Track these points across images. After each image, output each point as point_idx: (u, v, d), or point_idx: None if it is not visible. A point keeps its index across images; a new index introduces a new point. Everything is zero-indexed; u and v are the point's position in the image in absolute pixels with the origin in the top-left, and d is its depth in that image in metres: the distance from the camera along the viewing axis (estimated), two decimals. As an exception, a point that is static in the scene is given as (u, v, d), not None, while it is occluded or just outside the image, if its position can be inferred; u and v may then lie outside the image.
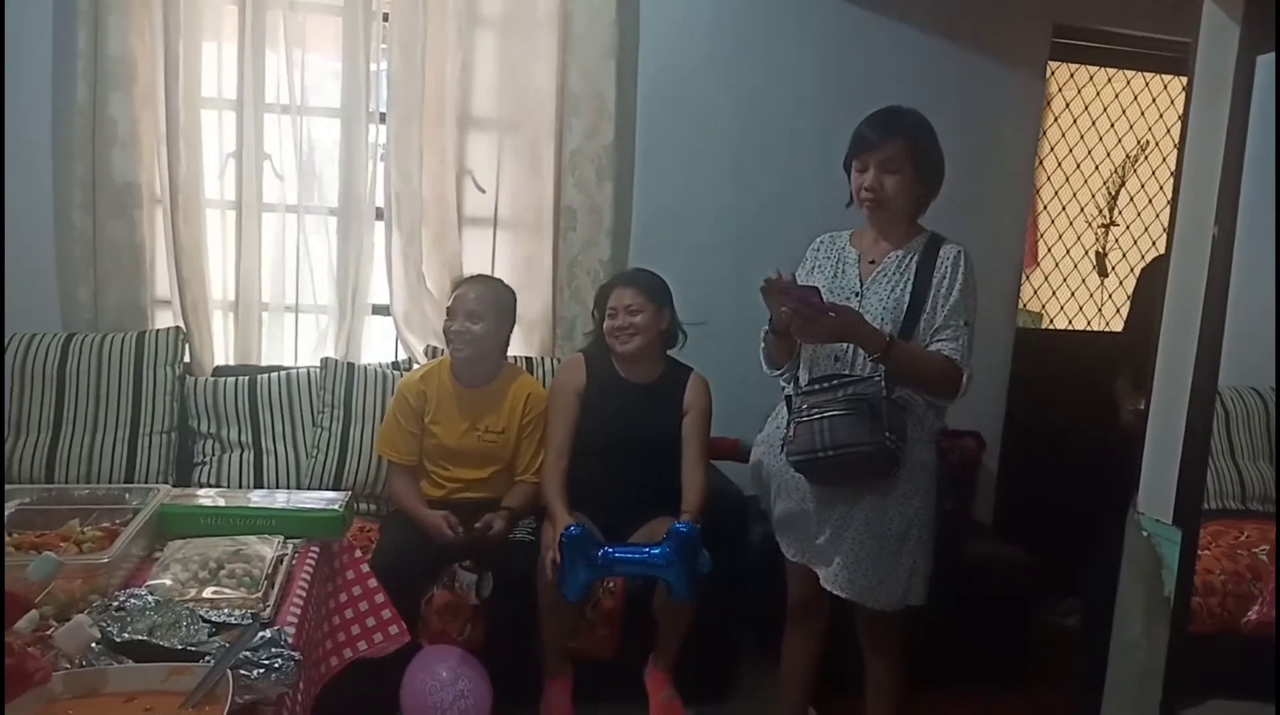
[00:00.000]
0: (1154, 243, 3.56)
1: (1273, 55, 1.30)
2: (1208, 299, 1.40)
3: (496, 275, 2.68)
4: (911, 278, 1.97)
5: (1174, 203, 1.46)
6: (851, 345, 1.97)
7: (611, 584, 2.39)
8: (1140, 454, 1.65)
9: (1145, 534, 1.49)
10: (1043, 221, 3.53)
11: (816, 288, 1.90)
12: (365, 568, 1.83)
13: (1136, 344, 1.87)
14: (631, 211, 3.06)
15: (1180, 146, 1.45)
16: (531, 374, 2.64)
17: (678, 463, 2.43)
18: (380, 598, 1.82)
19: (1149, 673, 1.47)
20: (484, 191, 2.92)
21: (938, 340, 1.94)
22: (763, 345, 2.16)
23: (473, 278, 2.55)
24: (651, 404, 2.45)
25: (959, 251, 1.98)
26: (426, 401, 2.40)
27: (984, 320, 3.39)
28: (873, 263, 2.04)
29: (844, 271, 2.06)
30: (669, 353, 2.55)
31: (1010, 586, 2.84)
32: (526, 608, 2.23)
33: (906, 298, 1.96)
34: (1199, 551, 1.85)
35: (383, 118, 2.79)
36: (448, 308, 2.45)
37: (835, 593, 2.02)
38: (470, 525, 2.27)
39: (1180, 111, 3.38)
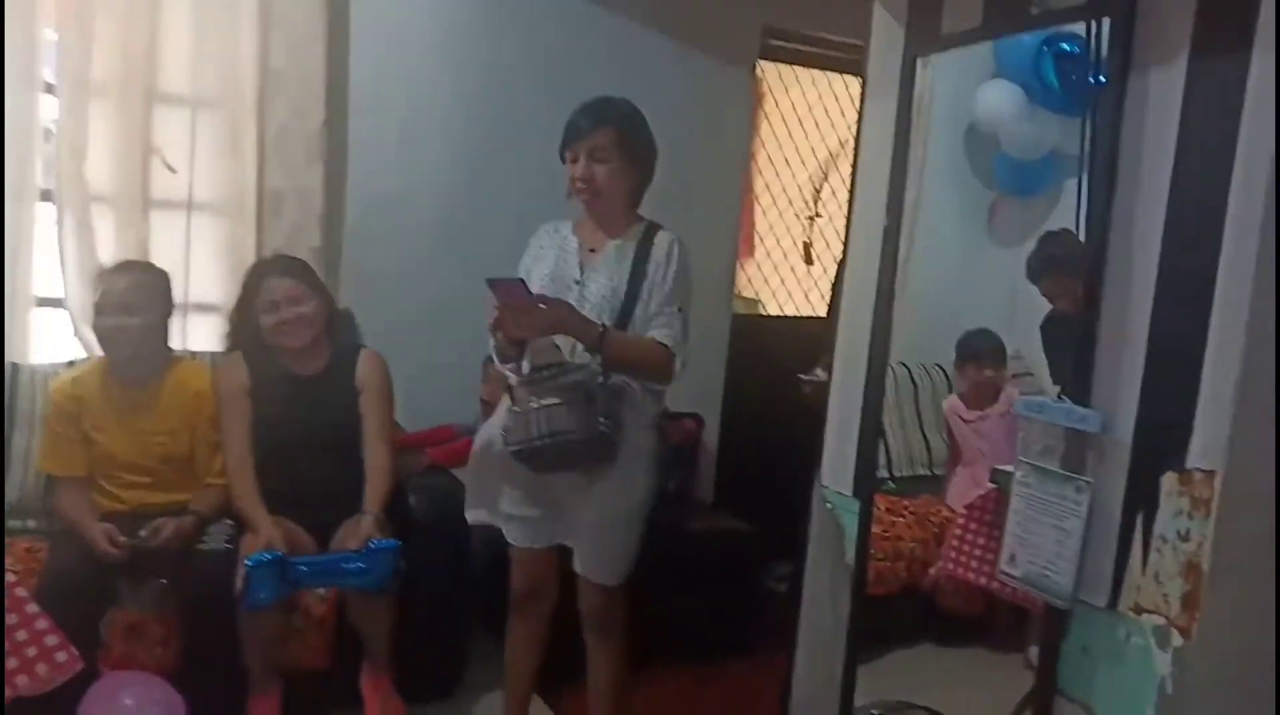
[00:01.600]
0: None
1: (933, 58, 1.40)
2: (880, 286, 1.49)
3: (178, 263, 2.45)
4: (629, 266, 2.01)
5: (850, 197, 1.55)
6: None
7: (322, 590, 2.27)
8: (821, 429, 1.79)
9: (828, 505, 1.57)
10: (756, 213, 3.70)
11: (521, 280, 1.88)
12: (21, 592, 1.62)
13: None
14: (345, 198, 2.91)
15: (856, 145, 1.54)
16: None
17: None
18: (42, 624, 1.62)
19: (835, 632, 1.56)
20: (174, 172, 2.67)
21: (652, 327, 1.98)
22: (491, 342, 2.13)
23: (121, 265, 2.29)
24: (325, 394, 2.36)
25: (673, 239, 2.03)
26: (83, 406, 2.15)
27: (702, 307, 3.49)
28: (593, 251, 2.07)
29: (565, 260, 2.08)
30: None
31: (733, 558, 2.99)
32: (226, 623, 2.06)
33: (624, 286, 2.00)
34: (894, 520, 2.02)
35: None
36: (95, 302, 2.19)
37: (577, 571, 2.04)
38: (136, 532, 2.07)
39: (873, 113, 3.64)
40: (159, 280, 2.24)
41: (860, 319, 1.55)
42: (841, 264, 2.24)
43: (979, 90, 1.41)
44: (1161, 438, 1.13)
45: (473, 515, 2.18)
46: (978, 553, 1.62)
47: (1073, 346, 1.21)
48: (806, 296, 3.87)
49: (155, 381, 2.23)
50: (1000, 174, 1.45)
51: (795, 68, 3.65)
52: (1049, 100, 1.35)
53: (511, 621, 2.24)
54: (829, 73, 3.70)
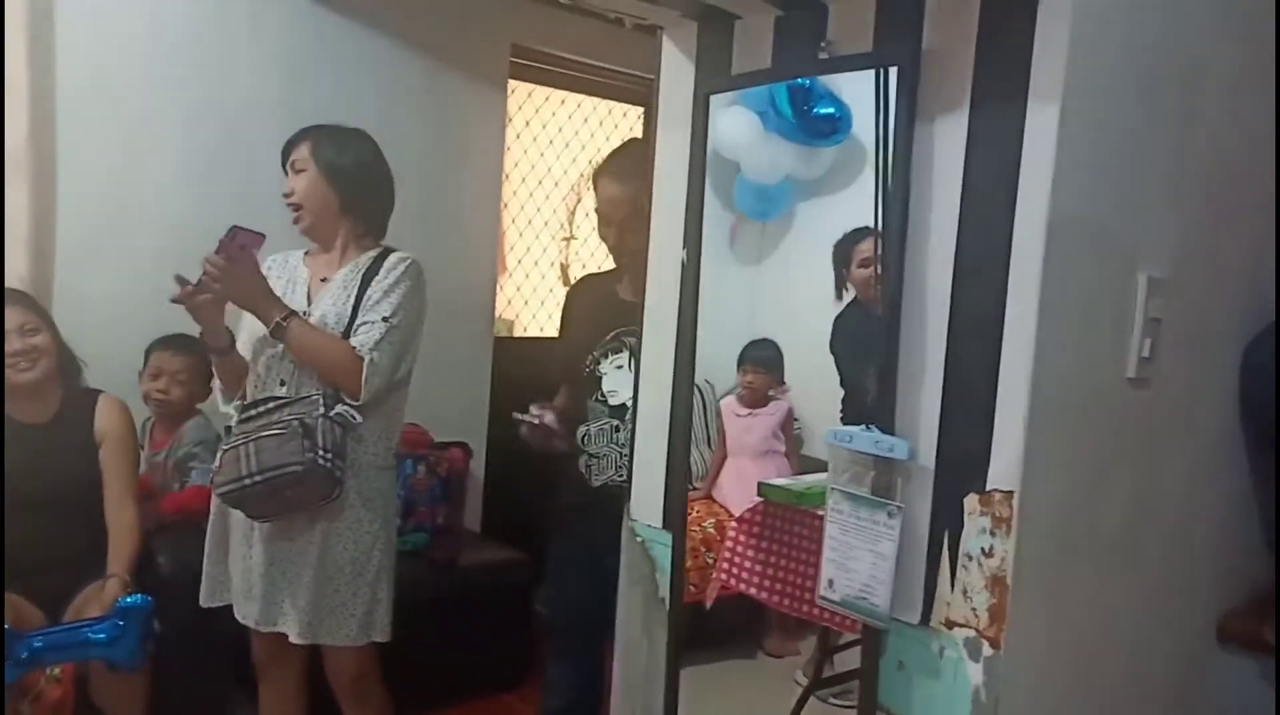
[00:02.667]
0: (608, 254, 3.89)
1: (723, 95, 1.43)
2: (680, 316, 1.50)
3: None
4: (355, 291, 1.94)
5: (649, 229, 1.55)
6: (296, 367, 1.89)
7: (57, 669, 1.98)
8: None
9: (639, 539, 1.56)
10: (511, 234, 3.66)
11: (262, 235, 1.81)
12: None
13: (571, 354, 2.11)
14: (56, 219, 2.57)
15: (650, 177, 1.55)
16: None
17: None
18: None
19: (650, 670, 1.55)
20: None
21: (354, 335, 1.91)
22: (215, 380, 2.01)
23: None
24: (58, 444, 2.11)
25: (403, 257, 1.99)
26: None
27: (463, 332, 3.42)
28: (324, 281, 1.99)
29: (294, 290, 1.99)
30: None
31: (507, 588, 2.94)
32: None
33: (348, 310, 1.93)
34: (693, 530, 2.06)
35: None
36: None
37: (292, 639, 1.92)
38: None
39: (624, 135, 3.72)
40: None
41: (660, 351, 1.56)
42: (572, 292, 2.29)
43: (720, 117, 1.46)
44: (962, 462, 1.21)
45: (205, 594, 2.01)
46: (746, 565, 1.66)
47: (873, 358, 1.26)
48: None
49: None
50: (740, 197, 1.51)
51: (545, 88, 3.65)
52: (783, 128, 1.43)
53: (261, 690, 2.09)
54: (575, 94, 3.73)
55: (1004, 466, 1.17)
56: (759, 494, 1.51)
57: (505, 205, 3.55)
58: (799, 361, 1.54)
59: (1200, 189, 1.43)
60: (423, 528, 2.92)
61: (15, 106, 2.42)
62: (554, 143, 3.72)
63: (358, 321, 1.89)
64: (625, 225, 1.95)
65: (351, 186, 1.96)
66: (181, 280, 1.81)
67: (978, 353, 1.19)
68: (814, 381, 1.53)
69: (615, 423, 2.02)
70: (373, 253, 1.98)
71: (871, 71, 1.28)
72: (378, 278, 1.93)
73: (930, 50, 1.23)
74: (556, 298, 3.86)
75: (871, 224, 1.31)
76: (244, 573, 1.92)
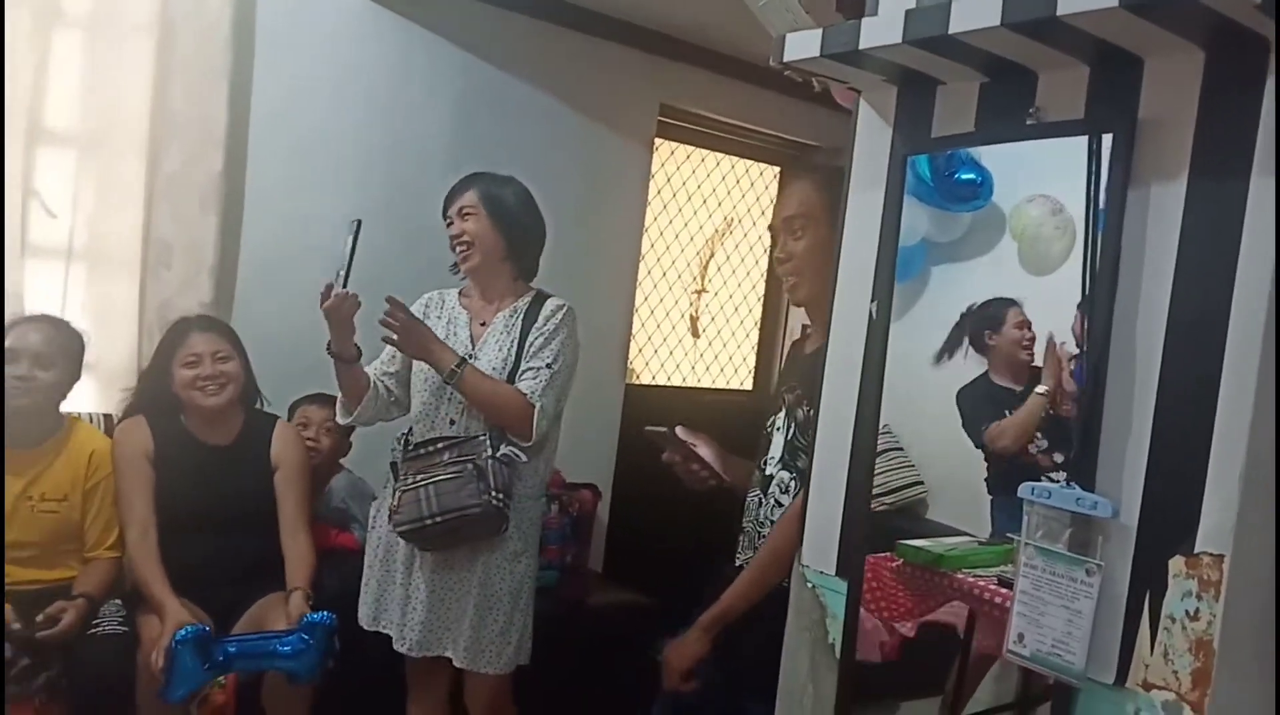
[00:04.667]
0: (736, 308, 3.96)
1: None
2: (865, 370, 1.54)
3: (66, 316, 2.27)
4: (517, 335, 2.03)
5: (834, 285, 1.60)
6: (464, 407, 1.99)
7: (223, 677, 2.09)
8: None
9: (810, 585, 1.59)
10: (646, 285, 3.76)
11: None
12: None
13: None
14: (239, 250, 2.75)
15: (840, 232, 1.60)
16: (110, 436, 2.25)
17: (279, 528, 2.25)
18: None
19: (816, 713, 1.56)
20: (55, 217, 2.46)
21: (519, 379, 1.99)
22: (340, 396, 2.12)
23: (36, 317, 2.15)
24: (235, 466, 2.24)
25: (560, 304, 2.08)
26: None
27: (595, 376, 3.52)
28: (483, 325, 2.09)
29: (455, 333, 2.09)
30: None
31: (628, 629, 2.96)
32: (121, 713, 1.87)
33: (513, 354, 2.02)
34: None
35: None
36: (7, 350, 2.02)
37: (457, 664, 1.99)
38: (31, 617, 1.87)
39: (759, 194, 3.79)
40: (72, 341, 2.07)
41: (842, 403, 1.60)
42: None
43: None
44: (1168, 523, 1.22)
45: (365, 616, 2.10)
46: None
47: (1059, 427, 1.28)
48: (693, 368, 3.93)
49: (51, 441, 2.03)
50: None
51: (686, 146, 3.76)
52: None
53: (410, 709, 2.17)
54: (716, 153, 3.84)
55: (1214, 529, 1.18)
56: (896, 553, 1.53)
57: (643, 257, 3.66)
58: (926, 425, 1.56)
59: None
60: (552, 565, 2.98)
61: (213, 144, 2.61)
62: (692, 199, 3.83)
63: (522, 366, 1.98)
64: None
65: (515, 230, 2.08)
66: (328, 288, 1.94)
67: (1190, 415, 1.20)
68: (939, 444, 1.55)
69: (758, 496, 1.89)
70: (528, 297, 2.08)
71: (1082, 139, 1.32)
72: (537, 324, 2.03)
73: (1146, 119, 1.27)
74: (685, 347, 3.94)
75: (1006, 293, 1.39)
76: (403, 600, 2.01)
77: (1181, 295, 1.23)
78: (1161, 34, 1.21)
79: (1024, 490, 1.33)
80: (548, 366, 2.01)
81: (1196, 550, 1.19)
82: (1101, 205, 1.29)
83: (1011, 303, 1.43)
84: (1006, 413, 1.42)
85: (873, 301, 1.55)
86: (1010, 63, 1.39)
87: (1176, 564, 1.21)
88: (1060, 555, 1.28)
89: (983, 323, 1.47)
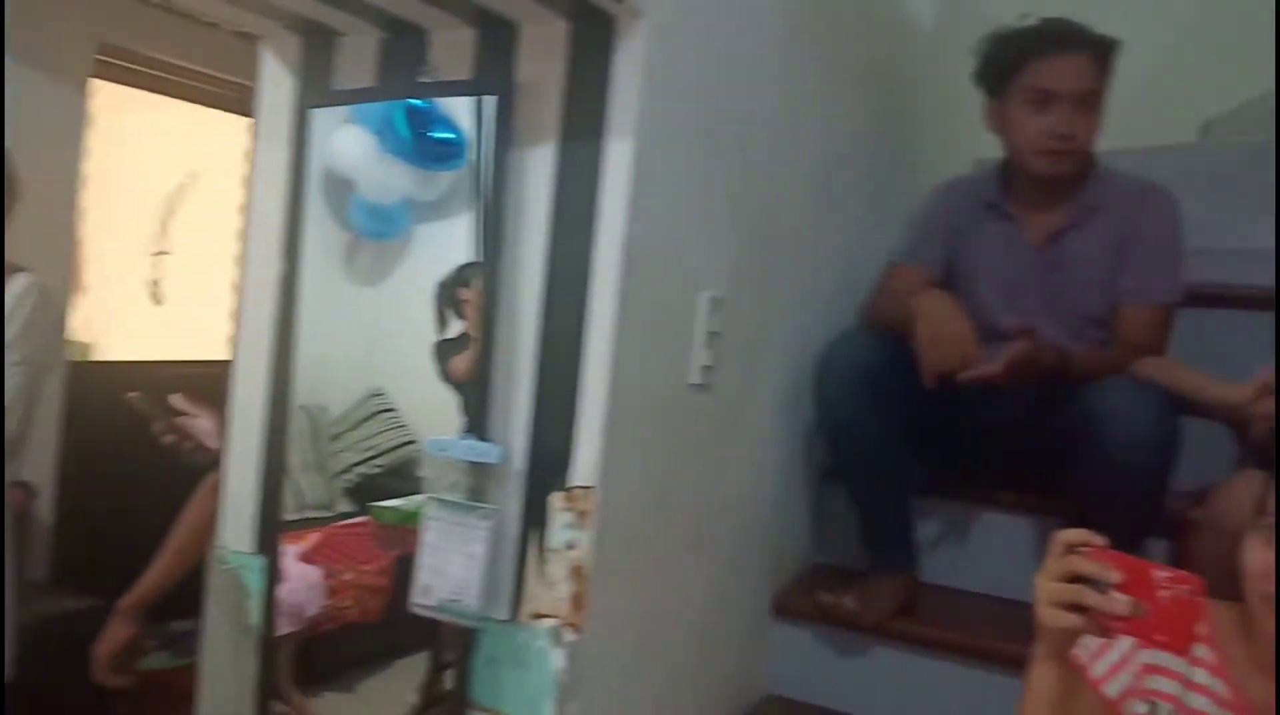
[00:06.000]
0: (207, 271, 3.65)
1: (335, 112, 1.43)
2: (279, 332, 1.47)
3: None
4: None
5: (245, 241, 1.51)
6: None
7: None
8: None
9: (225, 566, 1.50)
10: (94, 248, 3.32)
11: None
12: None
13: None
14: None
15: (249, 189, 1.51)
16: None
17: None
18: None
19: (240, 700, 1.49)
20: None
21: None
22: None
23: None
24: None
25: (27, 280, 1.80)
26: None
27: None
28: None
29: None
30: None
31: (86, 640, 2.64)
32: None
33: None
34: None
35: None
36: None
37: None
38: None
39: (229, 146, 3.51)
40: None
41: (255, 370, 1.51)
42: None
43: (335, 135, 1.48)
44: (549, 464, 1.31)
45: None
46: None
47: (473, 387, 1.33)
48: (157, 338, 3.57)
49: None
50: (355, 217, 1.53)
51: (136, 90, 3.35)
52: (400, 150, 1.47)
53: None
54: (174, 99, 3.47)
55: (585, 464, 1.28)
56: (372, 516, 1.51)
57: (86, 215, 3.21)
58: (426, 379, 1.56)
59: (753, 220, 1.66)
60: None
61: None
62: (149, 150, 3.43)
63: None
64: None
65: None
66: None
67: (563, 364, 1.30)
68: (426, 400, 1.56)
69: None
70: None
71: (472, 100, 1.35)
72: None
73: (524, 82, 1.33)
74: (146, 317, 3.55)
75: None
76: None
77: (556, 250, 1.32)
78: (531, 4, 1.27)
79: (429, 445, 1.35)
80: (19, 362, 1.71)
81: (571, 485, 1.29)
82: (488, 165, 1.33)
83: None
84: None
85: (283, 260, 1.48)
86: (405, 20, 1.38)
87: (556, 499, 1.30)
88: (458, 504, 1.33)
89: (454, 283, 1.44)
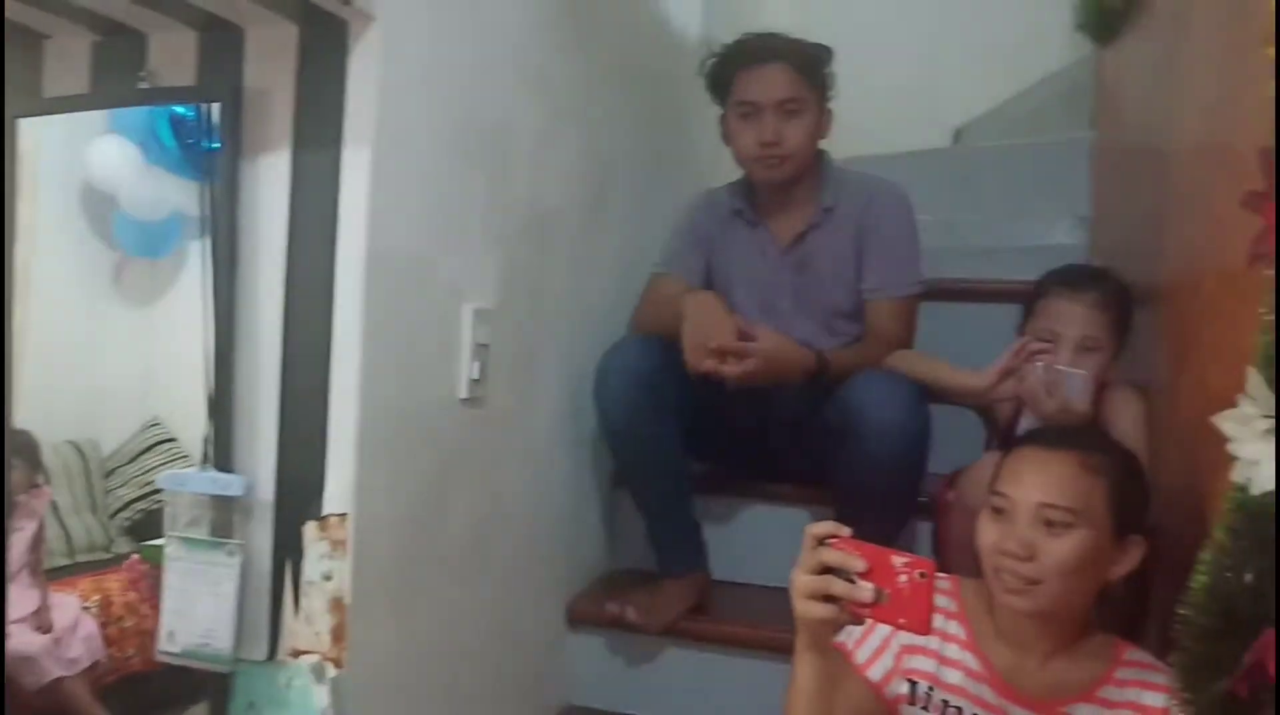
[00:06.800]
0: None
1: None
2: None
3: None
4: None
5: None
6: None
7: None
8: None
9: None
10: None
11: None
12: None
13: None
14: None
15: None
16: None
17: None
18: None
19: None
20: None
21: None
22: None
23: None
24: None
25: None
26: None
27: None
28: None
29: None
30: None
31: None
32: None
33: None
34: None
35: None
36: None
37: None
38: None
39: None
40: None
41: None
42: None
43: (91, 147, 1.36)
44: (300, 491, 1.23)
45: None
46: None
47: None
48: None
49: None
50: (121, 234, 1.41)
51: None
52: (166, 161, 1.37)
53: None
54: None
55: (338, 490, 1.22)
56: (142, 556, 1.40)
57: None
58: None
59: (519, 231, 1.64)
60: None
61: None
62: None
63: None
64: None
65: None
66: None
67: (310, 384, 1.23)
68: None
69: None
70: None
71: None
72: None
73: (252, 88, 1.25)
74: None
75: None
76: None
77: (295, 263, 1.25)
78: (254, 6, 1.20)
79: (162, 481, 1.25)
80: None
81: (325, 513, 1.23)
82: (217, 174, 1.25)
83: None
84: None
85: (-7, 285, 1.34)
86: (116, 21, 1.28)
87: (310, 529, 1.23)
88: (201, 541, 1.23)
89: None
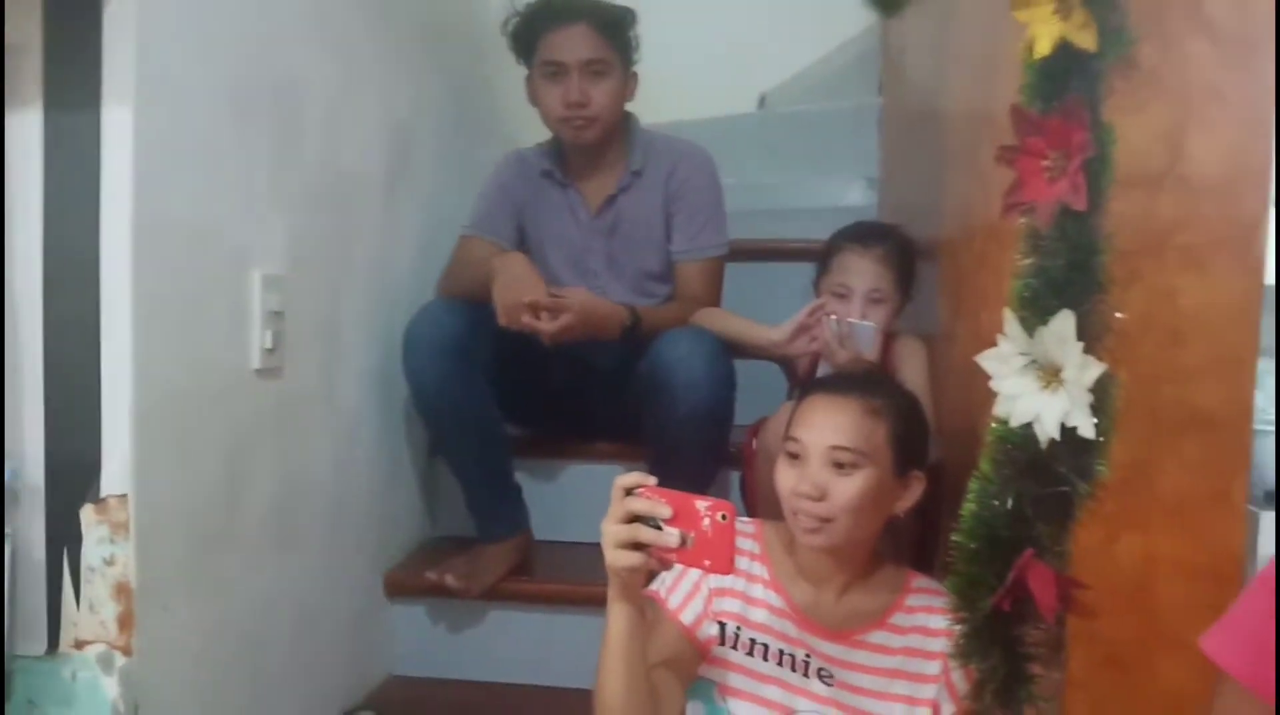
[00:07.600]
0: None
1: None
2: None
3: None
4: None
5: None
6: None
7: None
8: None
9: None
10: None
11: None
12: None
13: None
14: None
15: None
16: None
17: None
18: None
19: None
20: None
21: None
22: None
23: None
24: None
25: None
26: None
27: None
28: None
29: None
30: None
31: None
32: None
33: None
34: None
35: None
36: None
37: None
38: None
39: None
40: None
41: None
42: None
43: None
44: (74, 474, 1.15)
45: None
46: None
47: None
48: None
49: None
50: None
51: None
52: None
53: None
54: None
55: (116, 471, 1.15)
56: None
57: None
58: None
59: (314, 195, 1.57)
60: None
61: None
62: None
63: None
64: None
65: None
66: None
67: (78, 359, 1.15)
68: None
69: None
70: None
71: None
72: None
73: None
74: None
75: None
76: None
77: (53, 233, 1.15)
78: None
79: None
80: None
81: (103, 495, 1.15)
82: None
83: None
84: None
85: None
86: None
87: (88, 513, 1.16)
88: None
89: None
